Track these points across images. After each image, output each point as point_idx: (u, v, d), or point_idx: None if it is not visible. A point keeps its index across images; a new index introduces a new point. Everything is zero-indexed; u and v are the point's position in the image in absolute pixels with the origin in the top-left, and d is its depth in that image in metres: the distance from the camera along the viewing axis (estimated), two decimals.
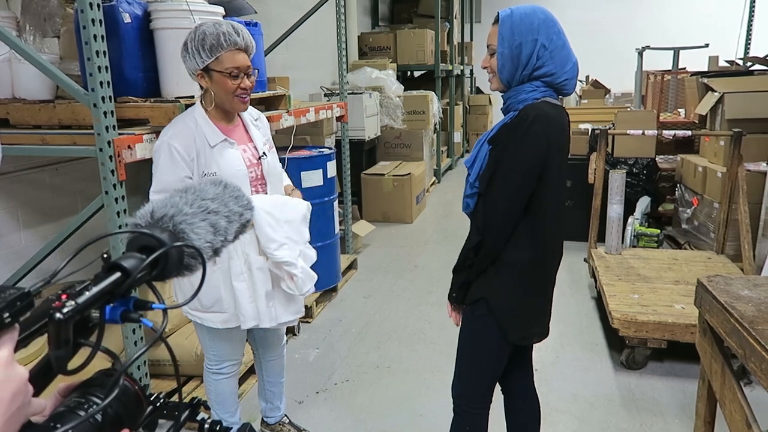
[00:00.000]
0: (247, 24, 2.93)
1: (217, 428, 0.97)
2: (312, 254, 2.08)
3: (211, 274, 1.97)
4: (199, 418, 0.99)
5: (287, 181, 2.31)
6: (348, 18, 6.51)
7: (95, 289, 0.66)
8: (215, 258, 0.85)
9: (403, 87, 6.93)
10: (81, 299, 0.63)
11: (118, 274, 0.69)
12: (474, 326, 1.76)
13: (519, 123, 1.56)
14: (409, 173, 6.05)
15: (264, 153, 2.08)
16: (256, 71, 2.01)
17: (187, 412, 0.95)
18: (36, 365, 0.64)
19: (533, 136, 1.55)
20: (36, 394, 0.63)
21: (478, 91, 11.43)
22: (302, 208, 2.04)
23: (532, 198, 1.60)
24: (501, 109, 1.70)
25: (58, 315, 0.60)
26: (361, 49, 7.77)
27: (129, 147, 2.17)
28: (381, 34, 7.93)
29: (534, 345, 1.92)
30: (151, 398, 0.89)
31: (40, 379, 0.64)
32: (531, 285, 1.70)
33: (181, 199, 0.83)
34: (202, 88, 1.98)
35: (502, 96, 1.68)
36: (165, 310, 0.72)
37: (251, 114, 2.15)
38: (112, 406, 0.74)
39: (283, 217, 1.95)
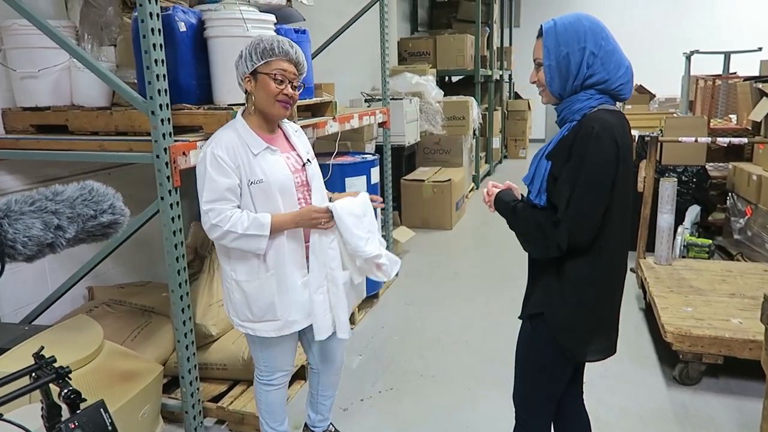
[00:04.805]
0: (296, 31, 2.95)
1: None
2: (383, 240, 2.19)
3: (264, 281, 1.99)
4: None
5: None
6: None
7: None
8: (49, 251, 1.00)
9: (443, 92, 6.88)
10: None
11: None
12: (533, 343, 1.71)
13: (583, 137, 1.49)
14: (449, 179, 6.00)
15: (308, 160, 2.12)
16: (302, 86, 2.03)
17: None
18: None
19: (602, 150, 1.47)
20: None
21: (517, 96, 11.32)
22: (368, 202, 2.16)
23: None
24: (555, 121, 1.65)
25: None
26: (400, 55, 7.77)
27: (183, 153, 2.20)
28: (420, 39, 7.91)
29: None
30: None
31: None
32: (595, 302, 1.63)
33: (22, 197, 0.98)
34: (246, 95, 2.00)
35: (555, 109, 1.64)
36: None
37: (291, 126, 2.19)
38: None
39: (360, 213, 2.06)
